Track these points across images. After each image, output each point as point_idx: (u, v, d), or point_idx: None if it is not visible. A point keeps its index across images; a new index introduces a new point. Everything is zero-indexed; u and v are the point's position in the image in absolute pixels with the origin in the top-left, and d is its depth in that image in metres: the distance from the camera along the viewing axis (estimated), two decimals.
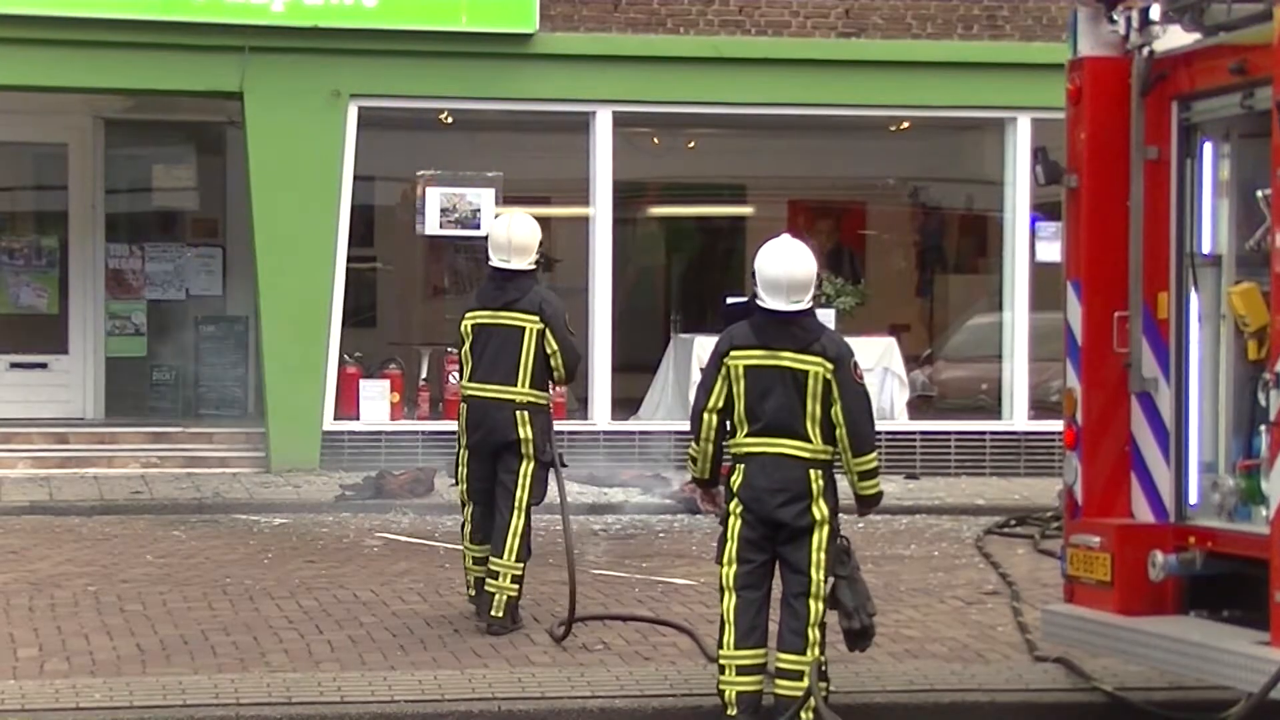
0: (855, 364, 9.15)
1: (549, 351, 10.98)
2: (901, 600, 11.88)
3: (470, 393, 11.13)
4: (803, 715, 8.99)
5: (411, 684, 9.72)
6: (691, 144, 20.76)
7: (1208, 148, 9.33)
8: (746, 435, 9.14)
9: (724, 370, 9.18)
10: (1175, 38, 9.30)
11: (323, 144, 17.62)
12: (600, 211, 18.11)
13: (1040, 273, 18.41)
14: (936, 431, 18.49)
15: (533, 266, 11.11)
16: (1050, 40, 17.85)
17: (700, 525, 15.03)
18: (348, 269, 17.89)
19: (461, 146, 19.49)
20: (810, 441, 9.05)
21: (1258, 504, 8.79)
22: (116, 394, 19.58)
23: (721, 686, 9.19)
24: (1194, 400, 9.32)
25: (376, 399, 18.15)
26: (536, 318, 10.95)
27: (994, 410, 18.94)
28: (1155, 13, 9.23)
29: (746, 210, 21.65)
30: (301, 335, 17.67)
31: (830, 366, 9.02)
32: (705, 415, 9.23)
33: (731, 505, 9.19)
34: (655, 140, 20.18)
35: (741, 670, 9.14)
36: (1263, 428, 8.68)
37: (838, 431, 9.07)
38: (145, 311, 19.90)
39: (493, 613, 10.92)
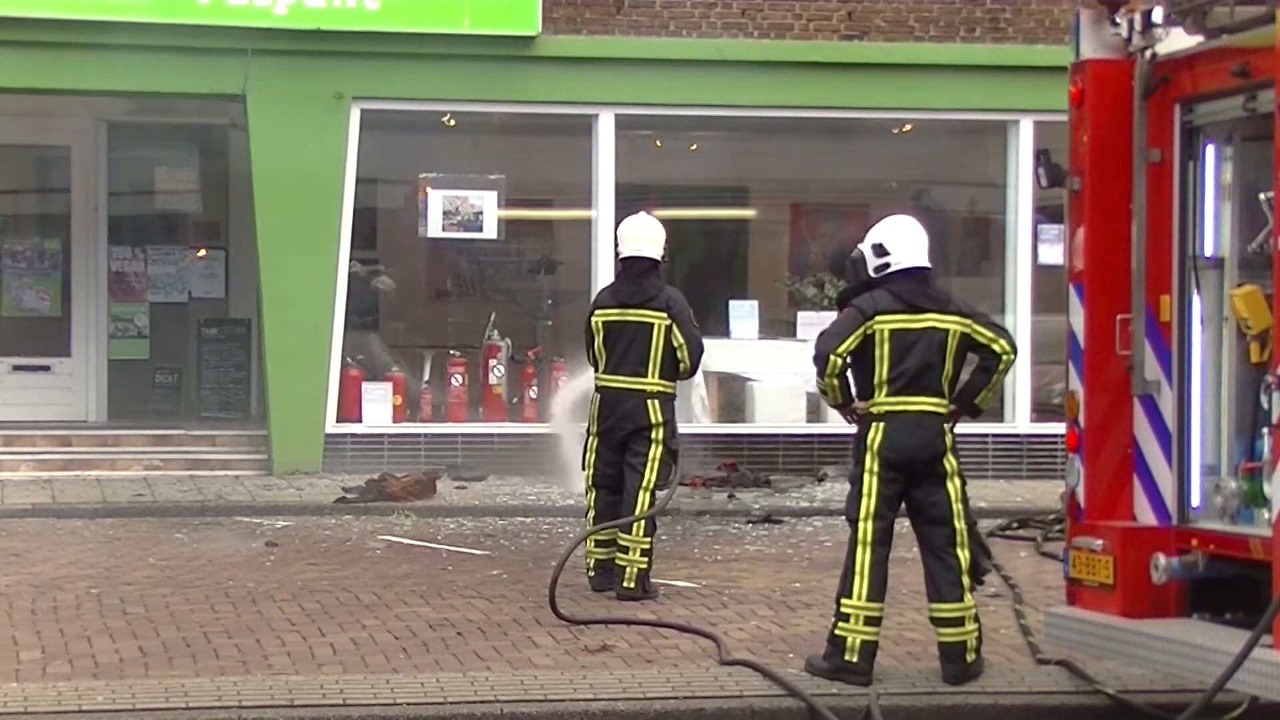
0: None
1: (675, 345, 12.01)
2: (904, 603, 11.86)
3: (604, 383, 12.16)
4: (968, 656, 9.84)
5: (414, 686, 9.71)
6: (694, 146, 20.74)
7: (1210, 150, 9.32)
8: (888, 395, 9.75)
9: (864, 330, 9.77)
10: (1178, 40, 9.29)
11: (325, 146, 17.62)
12: (603, 214, 18.10)
13: (1042, 275, 18.41)
14: None
15: (660, 259, 12.19)
16: (1053, 43, 17.87)
17: (702, 528, 15.01)
18: (349, 272, 17.91)
19: (464, 149, 19.47)
20: (944, 398, 9.80)
21: (1260, 507, 8.78)
22: (119, 396, 19.60)
23: (842, 633, 9.79)
24: (1196, 403, 9.31)
25: (379, 401, 18.16)
26: (664, 314, 12.01)
27: (996, 413, 18.93)
28: (1158, 15, 9.22)
29: (749, 213, 21.62)
30: (304, 338, 17.68)
31: (968, 322, 9.91)
32: (832, 357, 9.79)
33: (867, 463, 9.72)
34: (658, 143, 20.16)
35: (869, 620, 9.80)
36: (1265, 430, 8.66)
37: (993, 364, 9.93)
38: (148, 314, 19.93)
39: (625, 584, 11.93)
